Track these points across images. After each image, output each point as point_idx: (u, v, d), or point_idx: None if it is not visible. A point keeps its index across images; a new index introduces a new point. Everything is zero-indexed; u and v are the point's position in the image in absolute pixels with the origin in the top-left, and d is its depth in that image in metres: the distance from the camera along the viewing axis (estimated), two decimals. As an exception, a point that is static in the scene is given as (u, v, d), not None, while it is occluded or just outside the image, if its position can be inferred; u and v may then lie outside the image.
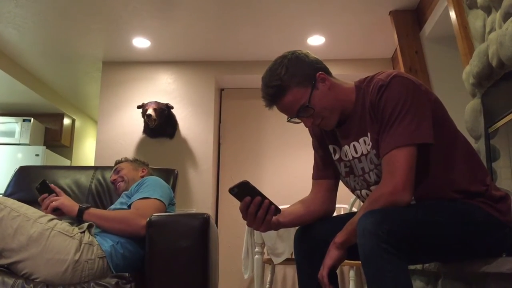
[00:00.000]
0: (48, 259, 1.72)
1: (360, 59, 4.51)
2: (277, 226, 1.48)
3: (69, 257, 1.75)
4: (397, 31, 3.69)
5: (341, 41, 4.16)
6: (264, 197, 1.38)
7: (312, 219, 1.56)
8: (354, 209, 3.13)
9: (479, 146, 2.37)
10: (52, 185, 2.04)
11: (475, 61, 2.23)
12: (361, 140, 1.44)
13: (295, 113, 1.43)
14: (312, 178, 1.66)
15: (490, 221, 1.34)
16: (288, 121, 1.48)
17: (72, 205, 1.94)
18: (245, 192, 1.37)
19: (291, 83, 1.40)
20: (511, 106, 2.02)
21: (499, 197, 1.38)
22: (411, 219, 1.25)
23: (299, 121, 1.46)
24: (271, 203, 1.39)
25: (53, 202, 1.95)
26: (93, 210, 1.97)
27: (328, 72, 1.46)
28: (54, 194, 2.00)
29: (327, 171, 1.61)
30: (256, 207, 1.38)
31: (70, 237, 1.80)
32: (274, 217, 1.44)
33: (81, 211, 1.92)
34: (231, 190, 1.36)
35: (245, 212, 1.40)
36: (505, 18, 1.95)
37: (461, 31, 2.61)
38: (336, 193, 1.63)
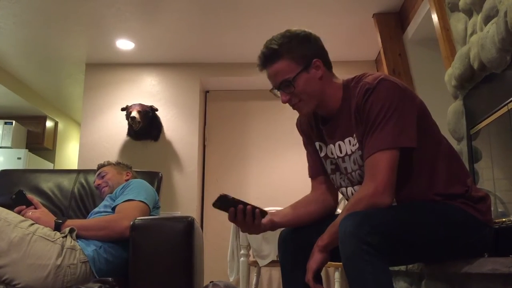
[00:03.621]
0: (30, 265, 1.70)
1: (344, 61, 4.52)
2: (272, 227, 1.48)
3: (50, 262, 1.72)
4: (381, 33, 3.73)
5: (325, 43, 4.10)
6: (246, 204, 1.40)
7: (310, 219, 1.55)
8: (339, 210, 3.15)
9: (461, 148, 2.40)
10: (29, 196, 1.99)
11: (457, 63, 2.25)
12: (346, 140, 1.45)
13: (278, 84, 1.45)
14: (309, 177, 1.66)
15: (470, 221, 1.35)
16: (270, 90, 1.50)
17: (48, 220, 1.90)
18: (226, 204, 1.39)
19: (286, 54, 1.42)
20: (492, 108, 2.05)
21: (479, 198, 1.40)
22: (392, 220, 1.26)
23: (279, 95, 1.47)
24: (254, 207, 1.40)
25: (29, 214, 1.90)
26: (70, 222, 1.93)
27: (327, 65, 1.48)
28: (32, 207, 1.96)
29: (319, 167, 1.61)
30: (242, 215, 1.40)
31: (52, 241, 1.77)
32: (267, 219, 1.45)
33: (57, 226, 1.89)
34: (214, 205, 1.38)
35: (234, 221, 1.42)
36: (486, 21, 1.98)
37: (443, 34, 2.65)
38: (334, 187, 1.62)
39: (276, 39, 1.44)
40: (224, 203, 1.38)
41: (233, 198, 1.38)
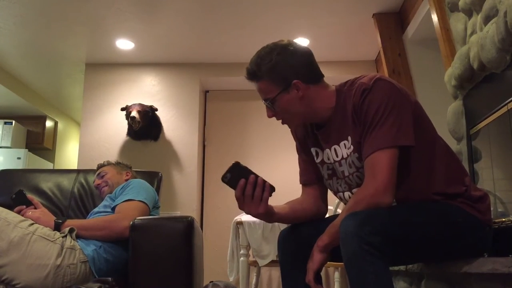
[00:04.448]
0: (29, 264, 1.70)
1: (344, 61, 4.54)
2: (271, 217, 1.46)
3: (50, 262, 1.72)
4: (381, 33, 3.73)
5: (325, 43, 4.18)
6: (257, 176, 1.38)
7: (305, 216, 1.56)
8: (339, 211, 3.15)
9: (461, 148, 2.40)
10: (29, 196, 1.99)
11: (456, 63, 2.25)
12: (341, 143, 1.45)
13: (263, 99, 1.48)
14: (300, 183, 1.66)
15: (470, 221, 1.35)
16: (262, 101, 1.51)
17: (48, 220, 1.90)
18: (238, 175, 1.36)
19: (266, 75, 1.43)
20: (492, 108, 2.05)
21: (479, 197, 1.40)
22: (392, 220, 1.25)
23: None
24: (264, 180, 1.39)
25: (29, 213, 1.90)
26: (69, 222, 1.94)
27: (313, 80, 1.45)
28: (32, 206, 1.96)
29: (312, 174, 1.61)
30: (253, 187, 1.36)
31: (52, 241, 1.77)
32: (269, 208, 1.42)
33: (57, 226, 1.89)
34: (224, 178, 1.36)
35: (241, 196, 1.38)
36: (486, 21, 1.98)
37: (443, 34, 2.65)
38: (326, 194, 1.64)
39: (258, 58, 1.44)
40: (235, 174, 1.36)
41: (246, 168, 1.37)
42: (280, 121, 1.52)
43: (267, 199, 1.40)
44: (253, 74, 1.45)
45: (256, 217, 1.44)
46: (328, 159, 1.52)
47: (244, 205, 1.39)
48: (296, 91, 1.42)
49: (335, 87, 1.49)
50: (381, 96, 1.34)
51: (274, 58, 1.42)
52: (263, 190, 1.38)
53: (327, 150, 1.50)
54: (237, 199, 1.39)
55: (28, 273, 1.69)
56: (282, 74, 1.42)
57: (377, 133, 1.32)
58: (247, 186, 1.36)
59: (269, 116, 1.49)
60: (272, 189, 1.40)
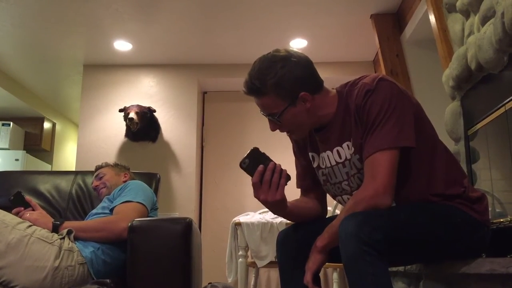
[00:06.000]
0: (27, 266, 1.69)
1: (342, 62, 4.54)
2: (285, 208, 1.43)
3: (48, 264, 1.72)
4: (378, 34, 3.73)
5: (323, 44, 4.18)
6: (275, 163, 1.37)
7: (310, 214, 1.56)
8: (337, 211, 3.15)
9: (459, 148, 2.40)
10: (27, 198, 1.99)
11: (454, 64, 2.26)
12: (344, 145, 1.44)
13: (265, 114, 1.44)
14: (296, 187, 1.65)
15: (468, 221, 1.36)
16: (261, 112, 1.48)
17: (46, 222, 1.90)
18: (256, 161, 1.36)
19: (272, 91, 1.38)
20: (489, 109, 2.05)
21: (476, 198, 1.40)
22: (392, 221, 1.26)
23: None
24: (281, 168, 1.38)
25: (27, 215, 1.90)
26: (67, 224, 1.93)
27: (317, 89, 1.43)
28: (30, 208, 1.96)
29: (308, 180, 1.61)
30: (271, 172, 1.35)
31: (50, 243, 1.77)
32: (284, 196, 1.39)
33: (55, 228, 1.89)
34: (242, 163, 1.36)
35: (258, 183, 1.36)
36: (483, 21, 1.98)
37: (441, 35, 2.65)
38: (325, 198, 1.63)
39: (260, 72, 1.39)
40: (253, 160, 1.36)
41: (264, 154, 1.37)
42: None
43: (284, 186, 1.37)
44: (256, 90, 1.40)
45: (270, 206, 1.40)
46: (323, 163, 1.51)
47: (260, 192, 1.36)
48: (303, 103, 1.40)
49: (336, 89, 1.49)
50: (384, 96, 1.33)
51: (279, 72, 1.37)
52: (280, 177, 1.36)
53: (323, 154, 1.50)
54: (254, 185, 1.36)
55: (26, 275, 1.69)
56: (288, 88, 1.38)
57: (378, 133, 1.31)
58: (266, 172, 1.35)
59: (273, 130, 1.46)
60: (288, 177, 1.38)
